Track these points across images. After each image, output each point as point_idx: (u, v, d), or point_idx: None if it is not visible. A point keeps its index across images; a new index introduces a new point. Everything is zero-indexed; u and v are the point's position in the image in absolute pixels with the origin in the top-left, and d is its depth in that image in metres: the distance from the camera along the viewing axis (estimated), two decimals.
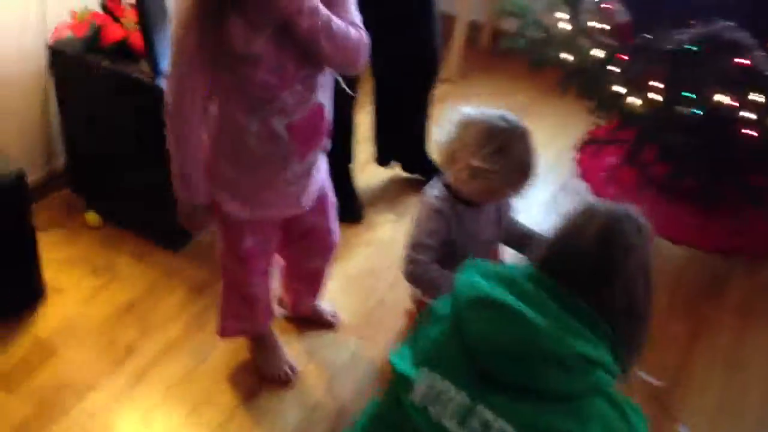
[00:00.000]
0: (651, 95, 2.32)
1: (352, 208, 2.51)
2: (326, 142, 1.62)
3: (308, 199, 1.66)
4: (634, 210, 1.36)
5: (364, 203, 2.58)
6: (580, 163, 2.88)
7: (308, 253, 1.87)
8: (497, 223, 1.85)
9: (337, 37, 1.41)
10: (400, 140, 2.68)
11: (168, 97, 1.46)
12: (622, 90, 2.37)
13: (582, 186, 2.80)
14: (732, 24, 2.17)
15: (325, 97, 1.55)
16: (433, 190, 1.77)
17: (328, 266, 1.94)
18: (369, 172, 2.73)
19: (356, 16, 1.48)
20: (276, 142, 1.50)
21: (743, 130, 2.24)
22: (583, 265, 1.26)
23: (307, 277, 1.95)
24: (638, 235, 1.34)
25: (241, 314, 1.82)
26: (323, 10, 1.38)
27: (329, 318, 2.08)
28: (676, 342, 2.17)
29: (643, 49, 2.32)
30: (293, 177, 1.58)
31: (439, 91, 3.18)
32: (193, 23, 1.36)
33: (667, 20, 2.26)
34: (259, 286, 1.77)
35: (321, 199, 1.75)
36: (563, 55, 2.48)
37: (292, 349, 1.98)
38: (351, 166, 2.55)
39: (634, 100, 2.36)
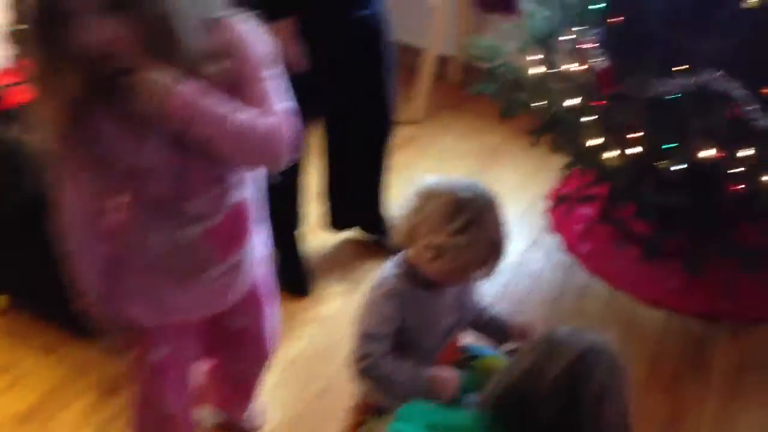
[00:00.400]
0: (630, 148, 2.09)
1: (298, 280, 2.26)
2: (254, 236, 1.40)
3: (235, 295, 1.42)
4: (604, 341, 1.14)
5: (312, 272, 2.32)
6: (553, 214, 2.63)
7: (237, 358, 1.62)
8: (459, 308, 1.62)
9: (242, 138, 1.16)
10: (356, 201, 2.41)
11: (57, 207, 1.24)
12: (599, 141, 2.14)
13: (555, 242, 2.55)
14: (722, 74, 1.93)
15: (247, 190, 1.32)
16: (389, 269, 1.53)
17: (261, 374, 1.69)
18: (318, 236, 2.46)
19: (273, 96, 1.23)
20: (187, 252, 1.28)
21: (731, 186, 2.03)
22: (546, 414, 1.07)
23: (235, 384, 1.70)
24: (611, 374, 1.13)
25: (155, 428, 1.56)
26: (221, 108, 1.13)
27: (245, 426, 1.81)
28: (655, 421, 1.96)
29: (623, 97, 2.08)
30: (213, 279, 1.34)
31: (403, 133, 2.95)
32: (59, 131, 1.12)
33: (651, 68, 2.01)
34: (175, 401, 1.51)
35: (254, 297, 1.51)
36: (536, 103, 2.25)
37: None
38: (297, 232, 2.29)
39: (612, 153, 2.13)
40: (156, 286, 1.32)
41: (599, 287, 2.39)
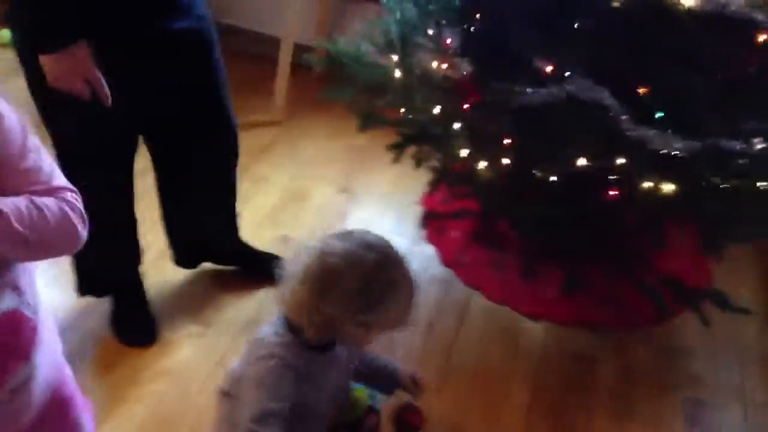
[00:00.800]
0: (499, 160, 1.93)
1: (140, 327, 1.99)
2: (46, 338, 1.13)
3: (31, 414, 1.16)
4: None
5: (158, 315, 2.04)
6: (427, 222, 2.44)
7: None
8: (348, 367, 1.50)
9: (34, 236, 0.95)
10: (200, 235, 2.11)
11: None
12: (466, 153, 1.96)
13: (430, 253, 2.36)
14: (589, 81, 1.77)
15: (21, 292, 1.04)
16: (271, 337, 1.34)
17: None
18: (161, 271, 2.17)
19: (48, 170, 1.00)
20: None
21: (607, 196, 1.91)
22: None
23: None
24: None
25: None
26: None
27: None
28: None
29: (489, 106, 1.90)
30: None
31: (263, 137, 2.70)
32: None
33: (515, 74, 1.83)
34: None
35: (60, 403, 1.25)
36: (397, 111, 2.03)
37: None
38: (136, 271, 2.01)
39: (481, 166, 1.95)
40: None
41: (480, 301, 2.24)
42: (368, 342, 1.37)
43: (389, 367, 1.60)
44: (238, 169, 2.05)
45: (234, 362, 1.43)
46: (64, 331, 1.99)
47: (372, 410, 1.57)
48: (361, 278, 1.27)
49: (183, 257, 2.13)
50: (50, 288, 2.09)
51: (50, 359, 1.18)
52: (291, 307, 1.32)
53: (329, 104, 2.89)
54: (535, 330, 2.18)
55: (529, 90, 1.77)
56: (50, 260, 2.11)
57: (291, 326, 1.35)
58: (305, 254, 1.32)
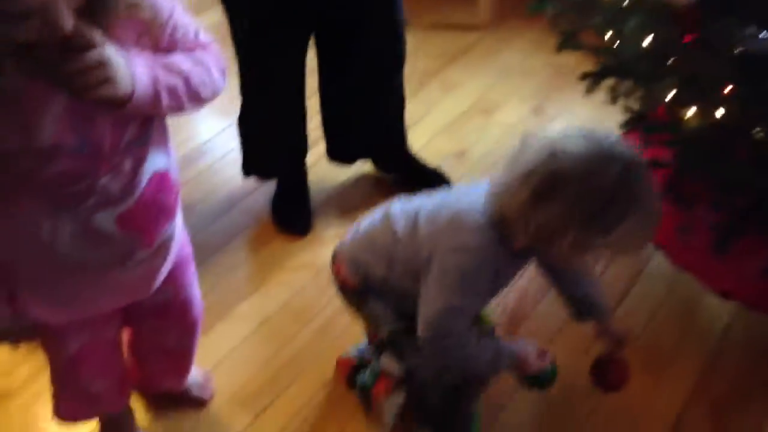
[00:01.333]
0: (713, 110, 1.63)
1: (297, 215, 2.01)
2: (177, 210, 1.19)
3: (161, 279, 1.23)
4: None
5: (314, 210, 2.04)
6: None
7: (161, 331, 1.43)
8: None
9: (206, 85, 1.08)
10: (360, 130, 2.04)
11: None
12: (672, 95, 1.67)
13: None
14: None
15: (166, 153, 1.11)
16: (477, 227, 1.22)
17: (191, 343, 1.49)
18: (325, 169, 2.15)
19: (196, 29, 1.09)
20: (104, 242, 1.07)
21: None
22: None
23: (162, 357, 1.50)
24: None
25: (81, 400, 1.41)
26: (179, 66, 1.03)
27: (195, 393, 1.63)
28: None
29: (712, 46, 1.59)
30: (137, 264, 1.14)
31: (462, 40, 2.54)
32: None
33: (750, 12, 1.50)
34: (99, 381, 1.37)
35: (176, 266, 1.29)
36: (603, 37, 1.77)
37: None
38: (302, 161, 2.02)
39: (689, 114, 1.67)
40: (63, 282, 1.11)
41: (661, 262, 1.97)
42: (578, 264, 1.24)
43: (597, 303, 1.44)
44: (410, 73, 1.95)
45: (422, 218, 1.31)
46: (231, 206, 2.09)
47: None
48: (599, 192, 1.10)
49: (335, 149, 2.08)
50: (222, 165, 2.18)
51: (180, 222, 1.23)
52: (506, 206, 1.17)
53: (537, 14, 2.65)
54: (719, 309, 1.88)
55: (762, 35, 1.45)
56: (224, 140, 2.24)
57: (496, 223, 1.20)
58: (535, 147, 1.14)
